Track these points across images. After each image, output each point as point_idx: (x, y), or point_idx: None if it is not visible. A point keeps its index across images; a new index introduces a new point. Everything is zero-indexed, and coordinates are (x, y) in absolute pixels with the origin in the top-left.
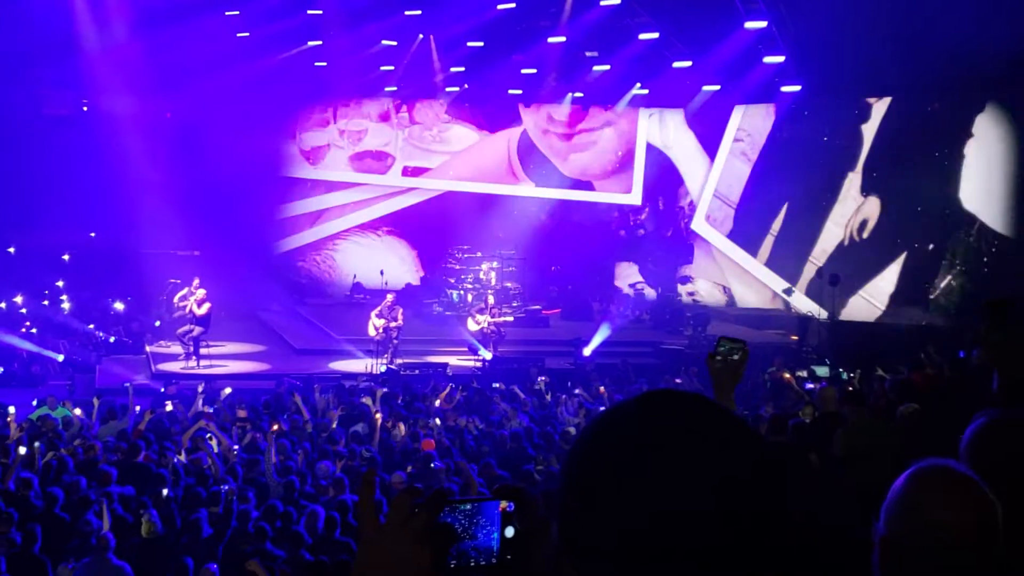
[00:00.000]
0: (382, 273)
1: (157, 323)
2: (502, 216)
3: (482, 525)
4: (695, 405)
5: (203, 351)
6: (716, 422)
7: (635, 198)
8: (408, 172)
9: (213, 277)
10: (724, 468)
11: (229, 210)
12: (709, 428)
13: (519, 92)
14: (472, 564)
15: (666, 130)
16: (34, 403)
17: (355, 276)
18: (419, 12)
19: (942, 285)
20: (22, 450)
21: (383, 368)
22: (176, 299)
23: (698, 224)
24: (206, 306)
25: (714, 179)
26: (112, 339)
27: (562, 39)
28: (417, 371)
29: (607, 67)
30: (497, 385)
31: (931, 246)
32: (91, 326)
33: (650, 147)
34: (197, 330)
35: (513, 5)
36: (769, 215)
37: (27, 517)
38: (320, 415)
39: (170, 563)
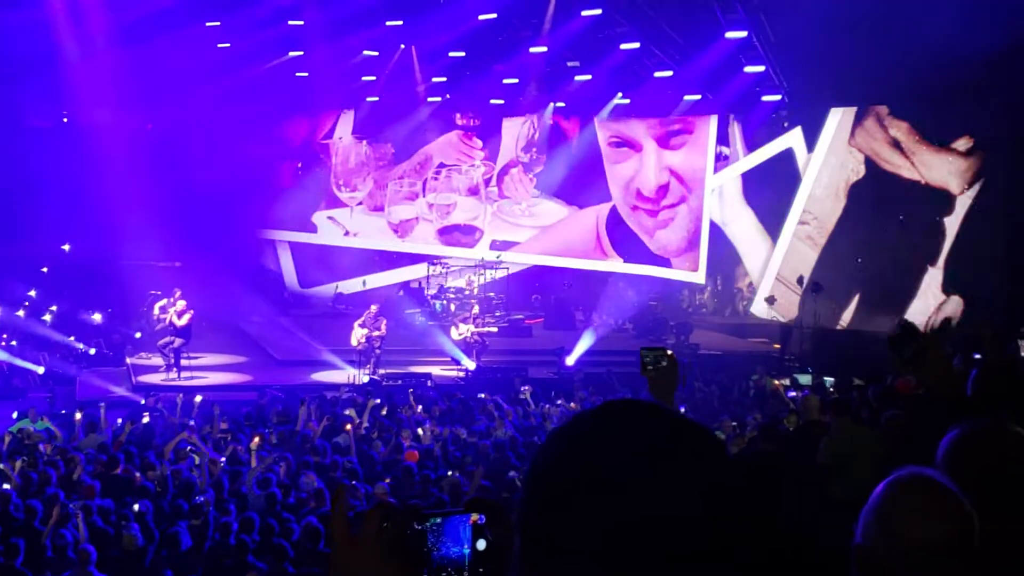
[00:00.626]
0: (364, 284)
1: (138, 335)
2: (587, 289)
3: (454, 538)
4: (651, 412)
5: (184, 362)
6: (678, 429)
7: (700, 276)
8: (496, 246)
9: (195, 288)
10: (695, 472)
11: (210, 221)
12: (674, 435)
13: (501, 102)
14: None
15: (726, 206)
16: (14, 415)
17: (337, 287)
18: (400, 23)
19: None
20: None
21: (366, 379)
22: (156, 310)
23: (758, 307)
24: (186, 317)
25: (776, 261)
26: (92, 351)
27: (543, 49)
28: (400, 381)
29: (588, 77)
30: (482, 395)
31: None
32: (71, 338)
33: (713, 225)
34: (178, 341)
35: (494, 16)
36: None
37: (9, 531)
38: (303, 427)
39: None
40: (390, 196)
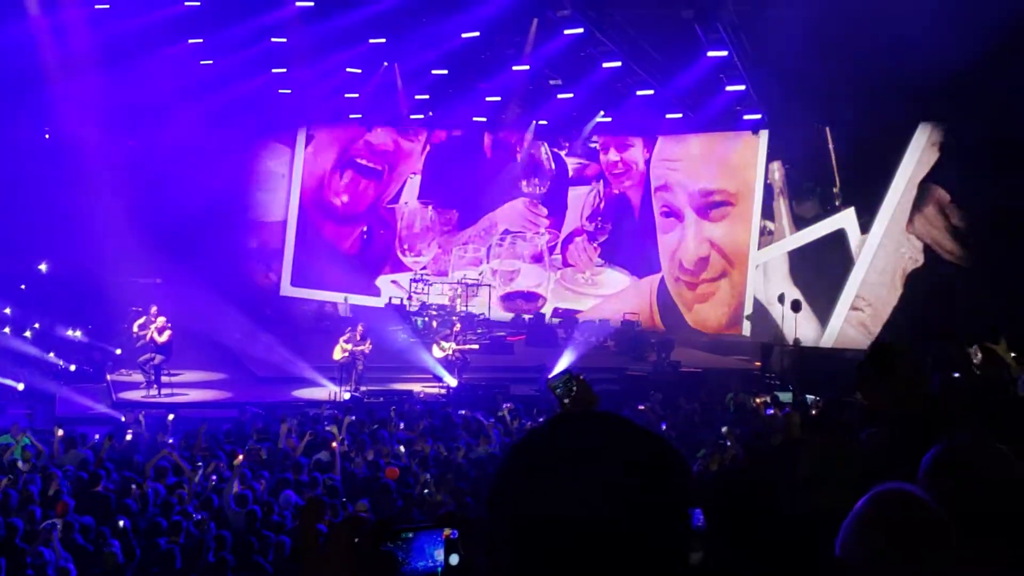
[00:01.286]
0: (345, 300)
1: (118, 351)
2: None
3: (426, 553)
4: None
5: (164, 379)
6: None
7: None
8: (558, 313)
9: (176, 304)
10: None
11: (191, 237)
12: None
13: (483, 120)
14: None
15: (769, 284)
16: None
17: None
18: (384, 40)
19: None
20: None
21: (347, 395)
22: (135, 327)
23: None
24: (167, 333)
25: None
26: (73, 367)
27: (526, 67)
28: (381, 398)
29: (570, 95)
30: (463, 412)
31: None
32: (51, 354)
33: (756, 302)
34: (158, 358)
35: (477, 34)
36: None
37: None
38: (283, 443)
39: None
40: (454, 261)
